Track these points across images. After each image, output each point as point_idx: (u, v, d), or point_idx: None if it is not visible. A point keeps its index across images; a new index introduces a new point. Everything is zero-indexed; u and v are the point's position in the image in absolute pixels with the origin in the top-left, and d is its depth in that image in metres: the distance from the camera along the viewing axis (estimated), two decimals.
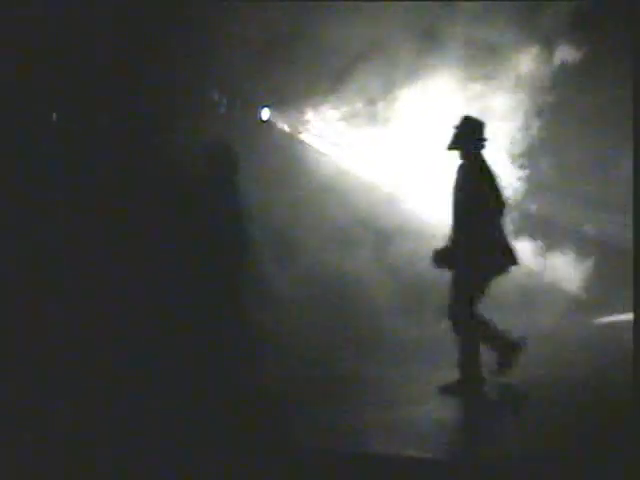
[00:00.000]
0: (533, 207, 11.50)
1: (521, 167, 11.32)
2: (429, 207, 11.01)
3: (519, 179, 11.32)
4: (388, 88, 10.82)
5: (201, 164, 8.04)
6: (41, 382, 7.14)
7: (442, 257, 7.37)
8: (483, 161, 7.41)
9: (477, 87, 10.88)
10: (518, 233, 11.26)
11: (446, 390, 7.18)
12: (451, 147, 7.45)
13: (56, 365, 7.43)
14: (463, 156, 7.41)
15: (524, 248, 11.27)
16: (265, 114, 11.01)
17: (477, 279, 7.27)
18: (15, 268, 8.15)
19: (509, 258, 7.38)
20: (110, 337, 8.07)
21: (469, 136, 7.38)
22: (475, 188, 7.26)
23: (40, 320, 7.97)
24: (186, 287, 8.14)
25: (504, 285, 11.07)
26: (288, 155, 10.87)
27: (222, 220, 7.78)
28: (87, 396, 6.87)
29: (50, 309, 8.15)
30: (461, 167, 7.41)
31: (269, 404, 6.96)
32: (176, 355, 7.67)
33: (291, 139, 11.17)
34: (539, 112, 11.12)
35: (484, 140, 7.44)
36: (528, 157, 11.31)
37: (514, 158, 11.28)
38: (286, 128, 11.17)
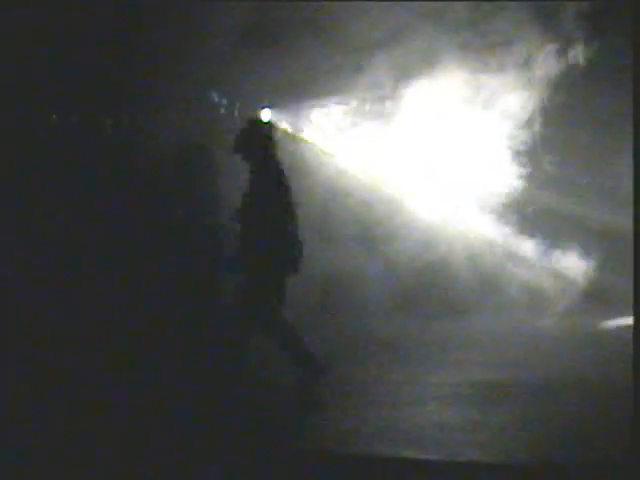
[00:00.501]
0: (533, 207, 11.47)
1: (522, 165, 11.27)
2: (430, 207, 11.01)
3: (520, 177, 11.27)
4: (394, 86, 10.78)
5: (177, 165, 8.03)
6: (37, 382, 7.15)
7: (232, 263, 7.21)
8: (276, 165, 7.15)
9: (483, 83, 10.83)
10: (518, 232, 11.26)
11: (303, 386, 7.08)
12: (238, 152, 7.16)
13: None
14: (253, 161, 7.14)
15: (525, 248, 11.28)
16: (266, 115, 10.99)
17: (268, 285, 7.10)
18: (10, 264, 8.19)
19: (291, 265, 7.23)
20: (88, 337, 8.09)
21: (258, 141, 7.11)
22: (265, 195, 7.03)
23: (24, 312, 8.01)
24: (163, 286, 8.16)
25: (507, 284, 11.18)
26: (289, 156, 10.84)
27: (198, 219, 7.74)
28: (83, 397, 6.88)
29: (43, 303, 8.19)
30: (252, 172, 7.23)
31: (267, 406, 6.94)
32: (160, 354, 7.67)
33: (292, 140, 11.15)
34: (543, 109, 11.06)
35: (273, 145, 7.15)
36: (530, 155, 11.26)
37: (515, 155, 11.22)
38: (287, 129, 11.15)
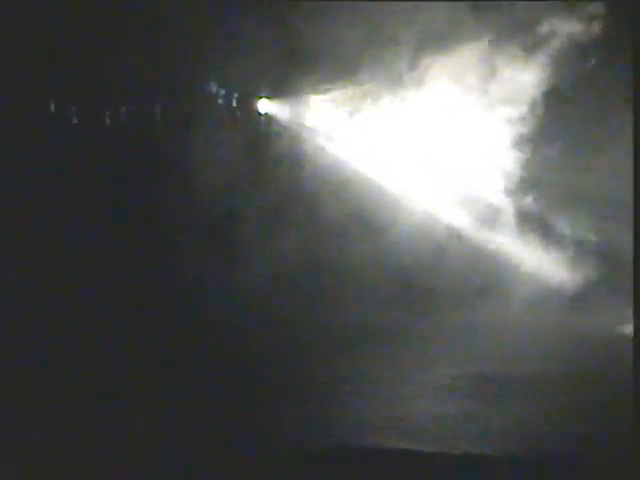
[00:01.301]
0: (530, 199, 11.39)
1: (523, 154, 11.17)
2: (427, 201, 10.98)
3: (519, 166, 11.19)
4: (396, 75, 10.71)
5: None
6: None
7: None
8: None
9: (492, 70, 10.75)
10: (517, 227, 11.23)
11: None
12: None
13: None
14: None
15: (523, 242, 11.25)
16: (263, 106, 10.95)
17: None
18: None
19: None
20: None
21: None
22: None
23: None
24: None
25: (502, 280, 11.16)
26: (286, 147, 10.83)
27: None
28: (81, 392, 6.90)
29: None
30: None
31: (268, 401, 6.95)
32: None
33: (290, 131, 11.10)
34: (546, 101, 10.98)
35: None
36: (530, 145, 11.18)
37: (515, 145, 11.14)
38: (285, 120, 11.10)
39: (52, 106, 9.47)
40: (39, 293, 8.39)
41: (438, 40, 10.29)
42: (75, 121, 9.55)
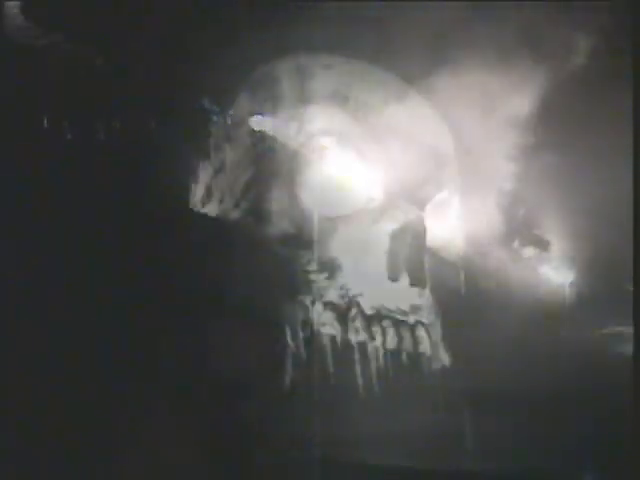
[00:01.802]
0: (525, 210, 11.41)
1: (518, 166, 11.21)
2: (423, 211, 11.00)
3: (514, 177, 11.23)
4: (397, 86, 10.76)
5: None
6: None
7: None
8: None
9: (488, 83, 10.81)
10: (512, 237, 11.24)
11: None
12: None
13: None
14: None
15: (522, 253, 11.25)
16: (257, 123, 10.95)
17: None
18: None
19: None
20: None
21: None
22: None
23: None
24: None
25: (501, 296, 11.13)
26: (279, 164, 10.83)
27: None
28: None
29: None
30: None
31: (268, 414, 6.89)
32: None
33: (283, 148, 11.11)
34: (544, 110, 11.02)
35: None
36: (526, 154, 11.22)
37: (513, 156, 11.18)
38: (279, 137, 11.11)
39: (45, 122, 9.45)
40: (35, 309, 8.35)
41: (440, 48, 10.33)
42: (69, 137, 9.54)
